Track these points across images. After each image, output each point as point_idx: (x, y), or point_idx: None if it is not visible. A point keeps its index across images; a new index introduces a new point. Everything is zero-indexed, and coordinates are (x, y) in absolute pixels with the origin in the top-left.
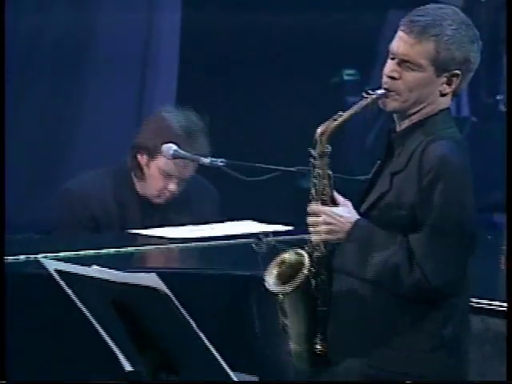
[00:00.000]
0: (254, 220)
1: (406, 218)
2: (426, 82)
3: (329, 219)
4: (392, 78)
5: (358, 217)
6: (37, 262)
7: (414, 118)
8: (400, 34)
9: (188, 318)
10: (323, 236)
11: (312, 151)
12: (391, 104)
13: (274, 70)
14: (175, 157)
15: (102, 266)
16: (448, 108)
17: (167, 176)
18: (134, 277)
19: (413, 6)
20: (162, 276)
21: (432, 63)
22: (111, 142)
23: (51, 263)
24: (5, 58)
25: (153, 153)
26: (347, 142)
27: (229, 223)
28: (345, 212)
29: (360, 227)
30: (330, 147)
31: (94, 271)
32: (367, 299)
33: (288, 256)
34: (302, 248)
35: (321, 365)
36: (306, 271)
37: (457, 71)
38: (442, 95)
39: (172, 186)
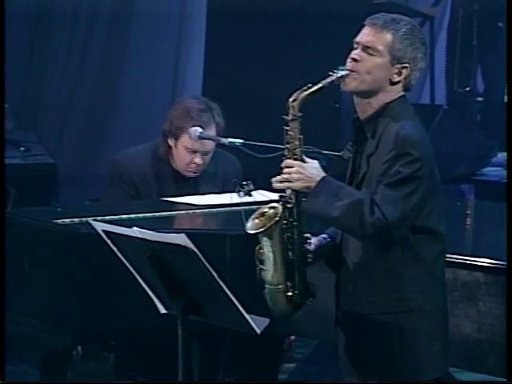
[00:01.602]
0: (266, 190)
1: (375, 186)
2: (382, 67)
3: (301, 170)
4: (354, 60)
5: (324, 174)
6: (88, 223)
7: (375, 105)
8: (364, 28)
9: (211, 269)
10: (295, 184)
11: (285, 117)
12: (352, 83)
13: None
14: (201, 138)
15: (141, 228)
16: (403, 96)
17: (192, 152)
18: (166, 236)
19: None
20: (189, 236)
21: (388, 51)
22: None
23: (99, 225)
24: (4, 58)
25: (178, 135)
26: (341, 126)
27: None
28: (314, 167)
29: (327, 180)
30: (300, 113)
31: (135, 232)
32: (349, 255)
33: (266, 209)
34: (278, 202)
35: (291, 306)
36: (278, 218)
37: (406, 64)
38: (392, 83)
39: (197, 160)
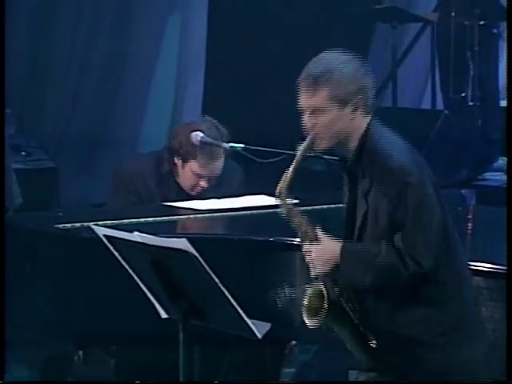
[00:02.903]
0: (267, 195)
1: (386, 226)
2: (337, 118)
3: (319, 254)
4: (311, 126)
5: (339, 243)
6: (89, 228)
7: (352, 145)
8: (300, 91)
9: (212, 274)
10: (321, 268)
11: (281, 211)
12: (322, 144)
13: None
14: (202, 142)
15: (142, 233)
16: (371, 121)
17: (199, 176)
18: (168, 241)
19: None
20: (191, 240)
21: (332, 103)
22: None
23: (100, 229)
24: (5, 58)
25: (187, 159)
26: None
27: (246, 197)
28: (329, 244)
29: (346, 249)
30: (292, 199)
31: (136, 236)
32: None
33: (309, 292)
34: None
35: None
36: (326, 304)
37: (357, 98)
38: (354, 119)
39: (203, 183)
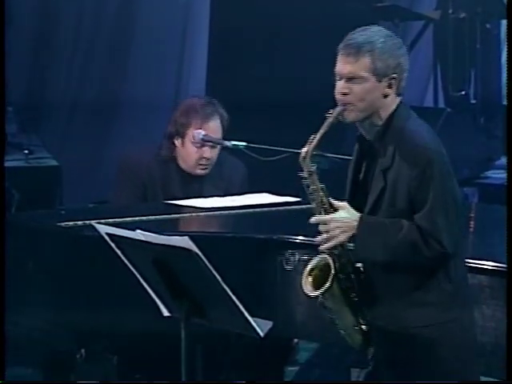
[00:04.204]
0: (269, 193)
1: (404, 205)
2: (372, 90)
3: (337, 224)
4: (344, 94)
5: (358, 214)
6: (91, 226)
7: (378, 122)
8: (340, 57)
9: (214, 272)
10: (338, 238)
11: (301, 174)
12: (350, 115)
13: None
14: (204, 141)
15: (145, 231)
16: (400, 103)
17: (200, 145)
18: (170, 239)
19: None
20: (193, 239)
21: (372, 73)
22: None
23: (103, 228)
24: (4, 57)
25: (184, 131)
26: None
27: (248, 195)
28: (347, 213)
29: (365, 221)
30: (314, 166)
31: (138, 234)
32: (387, 276)
33: (314, 263)
34: (324, 253)
35: (368, 336)
36: (333, 272)
37: (393, 75)
38: (386, 97)
39: (207, 154)
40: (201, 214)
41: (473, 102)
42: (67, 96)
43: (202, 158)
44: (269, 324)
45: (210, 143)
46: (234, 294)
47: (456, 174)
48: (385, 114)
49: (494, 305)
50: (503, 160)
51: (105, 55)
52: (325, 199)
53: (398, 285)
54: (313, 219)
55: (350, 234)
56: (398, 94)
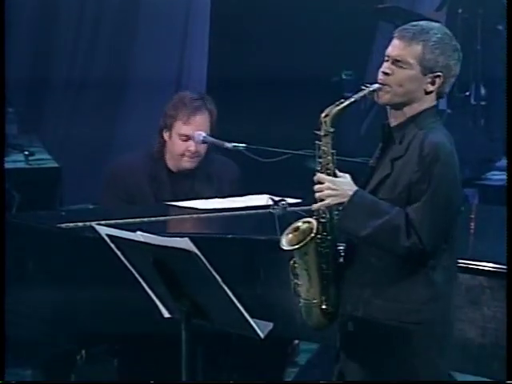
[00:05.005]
0: (269, 194)
1: (403, 195)
2: (413, 79)
3: (332, 185)
4: (386, 73)
5: (356, 188)
6: (92, 227)
7: (408, 113)
8: (394, 40)
9: (214, 273)
10: (327, 200)
11: (317, 132)
12: (384, 96)
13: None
14: (204, 142)
15: (145, 232)
16: (434, 106)
17: (185, 138)
18: (170, 240)
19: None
20: (193, 240)
21: (419, 63)
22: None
23: (103, 229)
24: (4, 57)
25: (172, 123)
26: (346, 129)
27: (248, 197)
28: (345, 182)
29: (359, 195)
30: (332, 129)
31: (139, 236)
32: (368, 260)
33: (300, 224)
34: (311, 216)
35: (326, 319)
36: (313, 234)
37: (439, 73)
38: (427, 93)
39: (192, 148)
40: (201, 215)
41: (473, 103)
42: (67, 98)
43: (187, 150)
44: (269, 325)
45: (191, 136)
46: (234, 295)
47: None
48: (418, 108)
49: (495, 306)
50: (504, 161)
51: (105, 59)
52: (331, 164)
53: (372, 274)
54: (315, 177)
55: (340, 200)
56: (439, 97)
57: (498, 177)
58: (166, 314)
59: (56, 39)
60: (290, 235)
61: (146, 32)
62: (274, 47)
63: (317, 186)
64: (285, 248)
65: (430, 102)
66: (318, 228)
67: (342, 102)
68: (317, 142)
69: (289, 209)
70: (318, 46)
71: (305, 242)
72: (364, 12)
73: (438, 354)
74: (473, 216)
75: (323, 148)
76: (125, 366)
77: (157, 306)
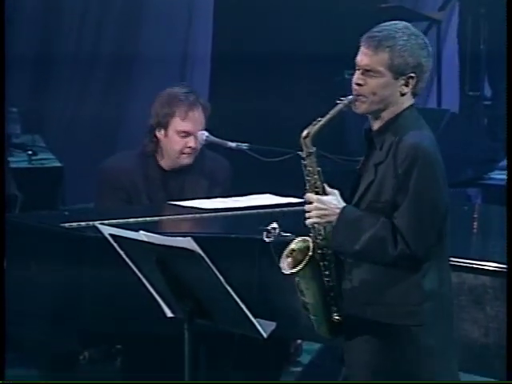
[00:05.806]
0: (272, 193)
1: (388, 202)
2: (386, 85)
3: (320, 205)
4: (358, 84)
5: (344, 204)
6: (95, 227)
7: (386, 117)
8: (361, 48)
9: (217, 273)
10: (315, 219)
11: (300, 153)
12: (362, 106)
13: (291, 72)
14: (207, 141)
15: (148, 232)
16: (412, 105)
17: (184, 135)
18: (173, 240)
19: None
20: (196, 239)
21: (389, 69)
22: None
23: (106, 228)
24: (4, 58)
25: (167, 121)
26: (353, 127)
27: (251, 196)
28: (333, 199)
29: (347, 211)
30: (314, 148)
31: (141, 235)
32: (364, 270)
33: (295, 245)
34: (307, 235)
35: (340, 328)
36: (310, 254)
37: (412, 74)
38: (402, 95)
39: (191, 143)
40: (204, 214)
41: (487, 103)
42: (70, 98)
43: (186, 147)
44: (272, 325)
45: (193, 131)
46: (237, 294)
47: (459, 175)
48: (396, 111)
49: (498, 306)
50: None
51: (109, 58)
52: (319, 183)
53: (366, 279)
54: (305, 196)
55: (329, 219)
56: (415, 94)
57: (501, 176)
58: (169, 314)
59: (60, 27)
60: (289, 259)
61: (152, 12)
62: (274, 47)
63: (306, 206)
64: (286, 272)
65: (407, 102)
66: (314, 248)
67: (319, 121)
68: (302, 161)
69: (282, 235)
70: (321, 45)
71: (303, 264)
72: (367, 11)
73: (438, 354)
74: (476, 216)
75: (308, 168)
76: (127, 366)
77: (160, 306)
